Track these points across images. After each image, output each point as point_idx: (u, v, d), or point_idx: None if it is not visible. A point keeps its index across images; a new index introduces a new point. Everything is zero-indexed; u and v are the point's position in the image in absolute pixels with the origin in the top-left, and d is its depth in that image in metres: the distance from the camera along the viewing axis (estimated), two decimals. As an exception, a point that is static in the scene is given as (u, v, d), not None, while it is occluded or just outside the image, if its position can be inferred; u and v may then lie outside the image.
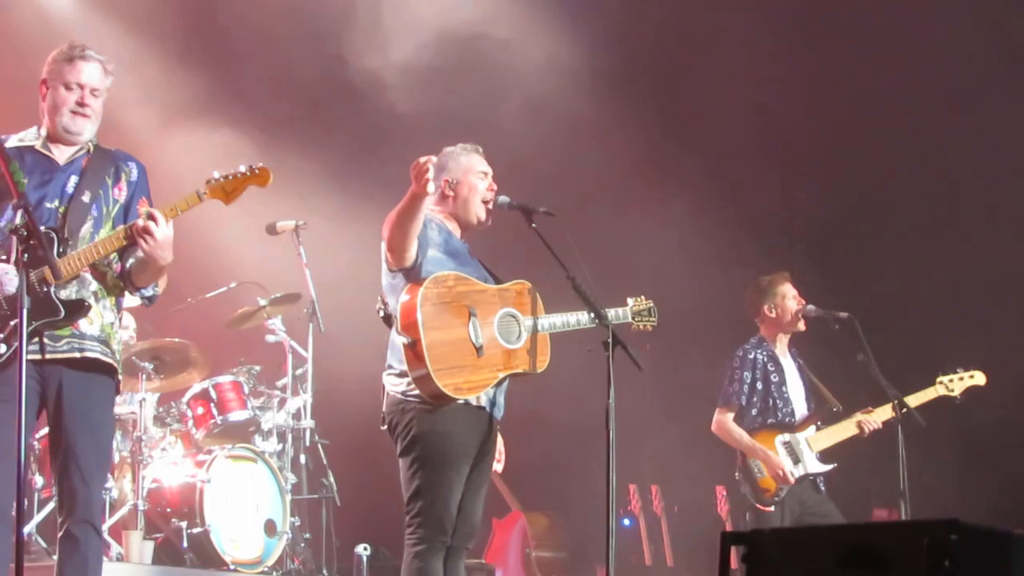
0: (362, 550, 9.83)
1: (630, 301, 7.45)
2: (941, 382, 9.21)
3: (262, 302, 9.99)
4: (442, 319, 6.77)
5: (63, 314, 6.21)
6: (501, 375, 6.91)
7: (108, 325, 6.46)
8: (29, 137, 6.58)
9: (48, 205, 6.40)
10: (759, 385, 9.19)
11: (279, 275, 10.22)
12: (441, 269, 6.85)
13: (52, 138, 6.55)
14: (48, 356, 6.22)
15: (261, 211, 10.32)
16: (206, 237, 11.33)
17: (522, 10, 11.77)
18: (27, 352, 5.76)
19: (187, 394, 9.75)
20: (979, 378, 9.25)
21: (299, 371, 10.02)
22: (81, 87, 6.49)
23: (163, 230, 6.25)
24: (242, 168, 6.62)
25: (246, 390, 9.78)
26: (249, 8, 11.73)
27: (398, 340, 6.80)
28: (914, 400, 9.06)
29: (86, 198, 6.44)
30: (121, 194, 6.65)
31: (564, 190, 10.75)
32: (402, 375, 6.84)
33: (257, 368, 10.01)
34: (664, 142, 11.77)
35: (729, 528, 10.15)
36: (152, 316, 10.15)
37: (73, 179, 6.51)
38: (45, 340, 6.21)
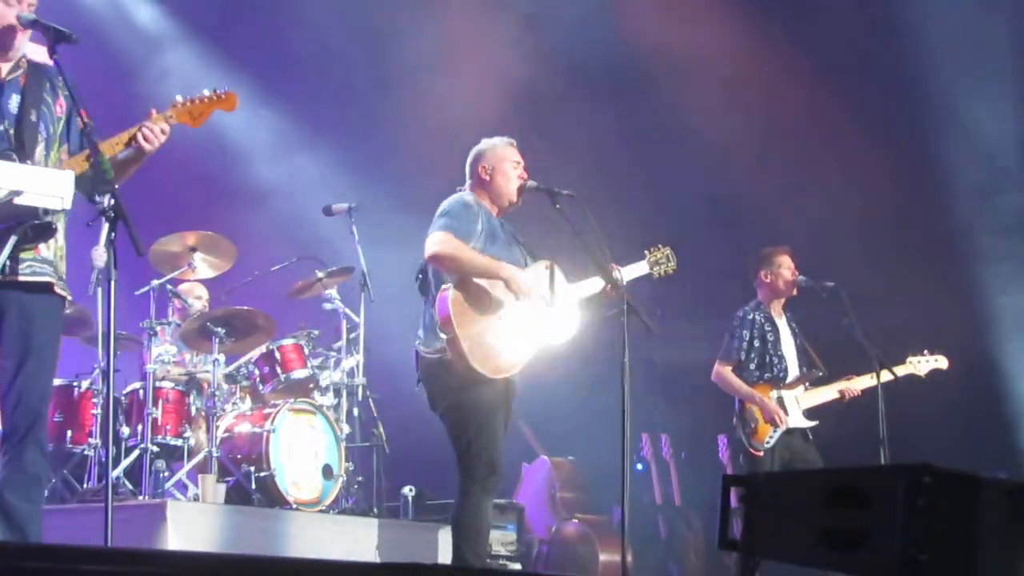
0: (408, 491, 9.88)
1: (646, 255, 7.54)
2: (911, 361, 9.26)
3: (320, 274, 10.01)
4: (474, 311, 6.86)
5: (31, 236, 5.57)
6: (536, 349, 6.99)
7: (59, 248, 5.85)
8: None
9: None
10: (756, 343, 9.17)
11: (334, 251, 10.23)
12: None
13: None
14: (8, 278, 5.61)
15: (320, 194, 10.37)
16: (271, 218, 11.39)
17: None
18: None
19: (255, 355, 9.79)
20: (942, 362, 9.30)
21: (352, 335, 10.05)
22: (20, 1, 5.71)
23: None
24: (206, 92, 6.15)
25: (306, 351, 9.81)
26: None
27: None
28: (887, 375, 9.10)
29: (33, 117, 5.77)
30: (62, 110, 5.91)
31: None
32: (434, 339, 6.91)
33: (316, 332, 10.04)
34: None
35: (730, 472, 10.15)
36: (224, 287, 10.19)
37: (15, 97, 5.80)
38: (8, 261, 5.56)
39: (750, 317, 9.24)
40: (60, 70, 5.64)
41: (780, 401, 9.03)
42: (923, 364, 9.29)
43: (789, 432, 8.99)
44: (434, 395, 6.99)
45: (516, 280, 6.94)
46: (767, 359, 9.16)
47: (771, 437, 8.95)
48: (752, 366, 9.15)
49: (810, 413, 9.10)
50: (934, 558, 4.13)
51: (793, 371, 9.19)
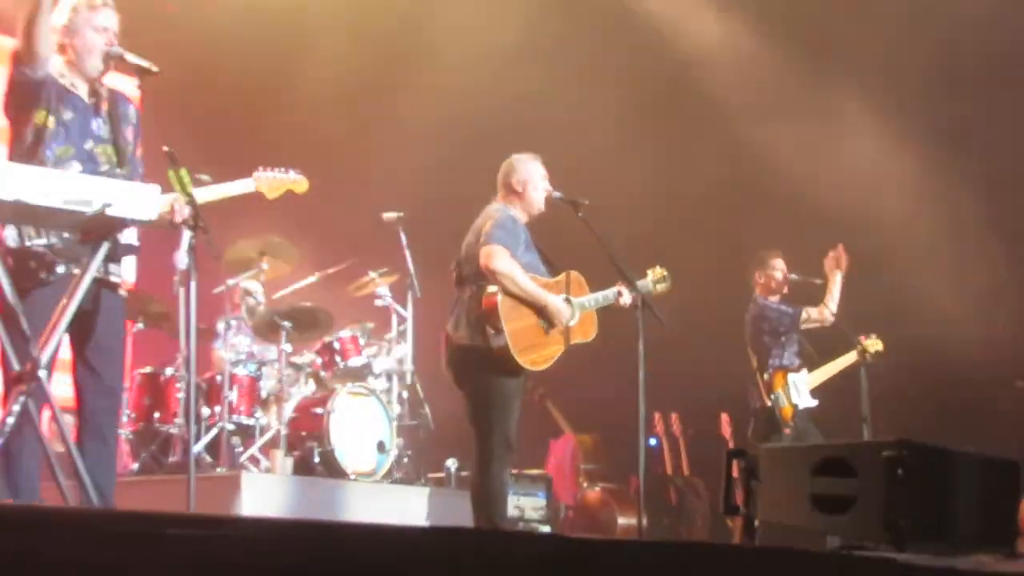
0: (451, 463, 9.90)
1: (649, 273, 7.66)
2: (866, 343, 9.15)
3: (372, 275, 10.04)
4: (517, 312, 6.94)
5: (120, 253, 5.50)
6: (565, 346, 7.11)
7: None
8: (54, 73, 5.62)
9: (87, 147, 5.63)
10: (773, 334, 9.19)
11: (385, 254, 10.23)
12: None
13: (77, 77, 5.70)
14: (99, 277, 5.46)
15: (370, 204, 10.38)
16: (328, 227, 11.37)
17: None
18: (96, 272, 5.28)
19: (317, 345, 9.81)
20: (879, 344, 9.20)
21: (401, 328, 10.06)
22: (106, 30, 5.65)
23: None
24: (281, 170, 6.37)
25: (361, 342, 9.82)
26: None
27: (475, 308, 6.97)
28: (844, 362, 9.11)
29: (120, 141, 5.71)
30: (132, 136, 5.81)
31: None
32: (467, 328, 6.99)
33: (370, 325, 10.05)
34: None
35: (731, 446, 10.13)
36: (288, 287, 10.20)
37: (98, 121, 5.70)
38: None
39: (767, 313, 9.24)
40: (143, 101, 5.66)
41: (794, 385, 9.01)
42: (872, 346, 9.20)
43: (800, 412, 8.98)
44: (462, 377, 7.09)
45: (552, 312, 7.05)
46: (782, 347, 9.17)
47: (796, 416, 8.94)
48: (773, 351, 9.16)
49: (812, 393, 9.10)
50: (911, 521, 4.12)
51: (796, 360, 9.20)
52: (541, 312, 7.00)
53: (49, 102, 5.55)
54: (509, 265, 6.89)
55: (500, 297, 6.87)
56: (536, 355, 6.99)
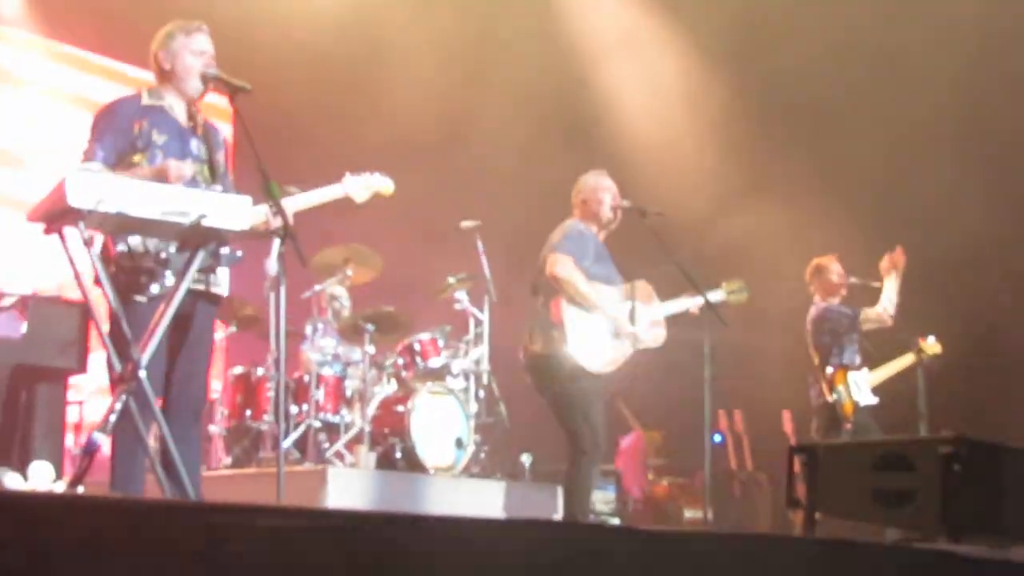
0: (525, 458, 9.91)
1: (723, 284, 7.68)
2: (925, 345, 9.07)
3: (451, 280, 10.06)
4: (584, 318, 7.02)
5: (220, 261, 5.51)
6: (632, 351, 7.15)
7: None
8: (151, 99, 5.69)
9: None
10: (833, 334, 9.12)
11: (462, 260, 10.26)
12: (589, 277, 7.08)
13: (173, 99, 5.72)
14: (197, 287, 5.52)
15: (450, 213, 10.40)
16: (409, 235, 11.43)
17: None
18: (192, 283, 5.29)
19: (399, 347, 9.85)
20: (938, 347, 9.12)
21: (478, 330, 10.08)
22: (203, 54, 5.70)
23: None
24: (368, 173, 6.45)
25: (440, 344, 9.84)
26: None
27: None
28: (902, 362, 9.03)
29: (215, 164, 5.71)
30: (223, 159, 5.82)
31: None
32: (539, 336, 7.05)
33: (448, 328, 10.07)
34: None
35: (793, 442, 10.06)
36: (372, 292, 10.25)
37: (195, 142, 5.71)
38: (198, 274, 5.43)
39: (828, 315, 9.18)
40: (239, 117, 5.68)
41: (855, 383, 8.93)
42: (928, 348, 9.11)
43: (861, 409, 8.89)
44: (540, 384, 7.17)
45: (614, 322, 7.06)
46: (844, 347, 9.09)
47: (855, 414, 8.86)
48: (834, 350, 9.09)
49: (874, 391, 9.01)
50: (967, 513, 4.08)
51: (856, 358, 9.12)
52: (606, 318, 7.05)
53: (145, 146, 5.57)
54: (571, 272, 6.96)
55: (565, 304, 6.93)
56: (604, 358, 7.03)
